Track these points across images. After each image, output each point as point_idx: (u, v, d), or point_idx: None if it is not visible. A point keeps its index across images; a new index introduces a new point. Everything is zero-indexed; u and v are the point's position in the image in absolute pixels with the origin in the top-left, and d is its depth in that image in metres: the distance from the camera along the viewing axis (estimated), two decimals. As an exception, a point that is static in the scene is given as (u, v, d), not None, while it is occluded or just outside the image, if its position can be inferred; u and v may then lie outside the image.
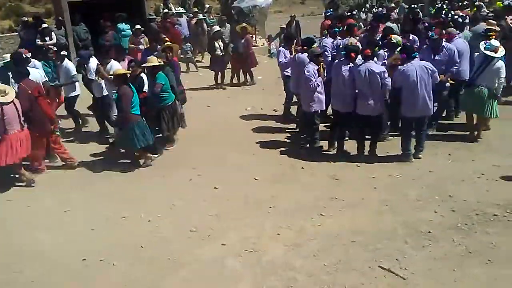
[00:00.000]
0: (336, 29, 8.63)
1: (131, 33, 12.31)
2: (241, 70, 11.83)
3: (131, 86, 6.76)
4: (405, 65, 6.46)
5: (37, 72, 7.45)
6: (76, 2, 12.40)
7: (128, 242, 5.03)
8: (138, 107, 6.75)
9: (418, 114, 6.50)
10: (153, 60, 7.34)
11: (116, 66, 7.54)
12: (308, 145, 7.48)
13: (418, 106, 6.42)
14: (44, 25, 11.96)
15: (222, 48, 11.40)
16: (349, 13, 12.63)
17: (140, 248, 4.90)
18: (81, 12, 12.42)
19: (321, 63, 7.08)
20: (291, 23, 14.66)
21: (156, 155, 7.25)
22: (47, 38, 11.74)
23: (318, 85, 6.95)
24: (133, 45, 11.36)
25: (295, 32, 13.93)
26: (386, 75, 6.49)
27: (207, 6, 16.38)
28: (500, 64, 7.03)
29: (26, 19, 14.35)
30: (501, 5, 12.12)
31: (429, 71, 6.42)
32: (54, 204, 6.02)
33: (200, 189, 6.22)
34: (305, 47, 7.62)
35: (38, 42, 11.70)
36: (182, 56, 13.98)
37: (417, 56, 6.57)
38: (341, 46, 7.72)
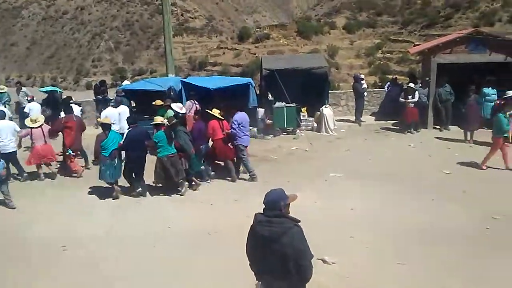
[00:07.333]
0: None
1: (495, 98, 11.68)
2: None
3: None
4: None
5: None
6: (445, 64, 12.69)
7: None
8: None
9: None
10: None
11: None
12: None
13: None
14: (411, 84, 12.97)
15: None
16: None
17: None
18: (448, 74, 12.61)
19: None
20: None
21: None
22: (409, 97, 12.66)
23: None
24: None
25: None
26: None
27: None
28: None
29: (395, 77, 15.98)
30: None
31: None
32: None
33: None
34: None
35: (401, 99, 12.78)
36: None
37: None
38: None
